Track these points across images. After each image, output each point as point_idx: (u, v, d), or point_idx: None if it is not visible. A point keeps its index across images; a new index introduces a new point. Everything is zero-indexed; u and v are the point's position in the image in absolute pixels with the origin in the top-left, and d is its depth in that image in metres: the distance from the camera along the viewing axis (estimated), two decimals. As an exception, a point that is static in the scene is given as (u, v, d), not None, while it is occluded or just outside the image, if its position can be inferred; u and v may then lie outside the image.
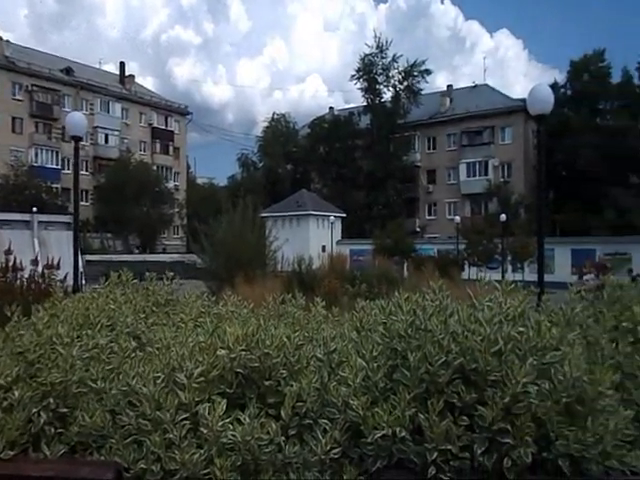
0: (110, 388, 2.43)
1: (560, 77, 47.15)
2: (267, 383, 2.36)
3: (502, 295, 2.68)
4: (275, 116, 57.47)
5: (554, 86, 44.69)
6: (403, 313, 2.56)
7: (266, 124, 57.50)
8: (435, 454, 2.02)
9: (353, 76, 50.66)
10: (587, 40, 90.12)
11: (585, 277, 14.33)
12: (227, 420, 2.15)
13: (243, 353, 2.38)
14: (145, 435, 2.19)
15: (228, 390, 2.35)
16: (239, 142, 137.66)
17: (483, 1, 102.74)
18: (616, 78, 42.18)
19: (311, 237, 38.94)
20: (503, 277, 25.57)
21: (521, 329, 2.40)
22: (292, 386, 2.29)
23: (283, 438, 2.15)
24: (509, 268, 30.35)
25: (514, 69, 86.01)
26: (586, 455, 2.05)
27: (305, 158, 52.58)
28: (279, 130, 56.31)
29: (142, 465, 2.14)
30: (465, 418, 2.11)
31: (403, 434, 2.05)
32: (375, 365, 2.30)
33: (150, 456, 2.15)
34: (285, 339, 2.50)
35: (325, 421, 2.18)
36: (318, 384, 2.29)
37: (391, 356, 2.41)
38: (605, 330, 3.15)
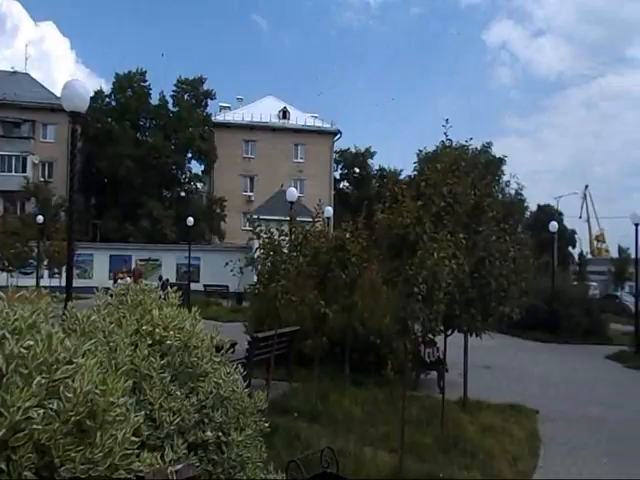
0: None
1: (107, 87, 47.63)
2: None
3: (8, 306, 2.30)
4: None
5: (100, 94, 45.07)
6: None
7: None
8: None
9: None
10: (134, 58, 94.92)
11: (120, 281, 14.82)
12: None
13: None
14: None
15: None
16: None
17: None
18: (155, 100, 46.12)
19: None
20: (38, 283, 23.74)
21: (31, 343, 2.11)
22: None
23: None
24: (45, 273, 28.50)
25: (60, 67, 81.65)
26: (92, 474, 1.94)
27: None
28: None
29: None
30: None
31: None
32: None
33: None
34: None
35: None
36: None
37: None
38: (127, 334, 3.17)
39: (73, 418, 1.98)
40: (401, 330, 5.26)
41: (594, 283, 36.84)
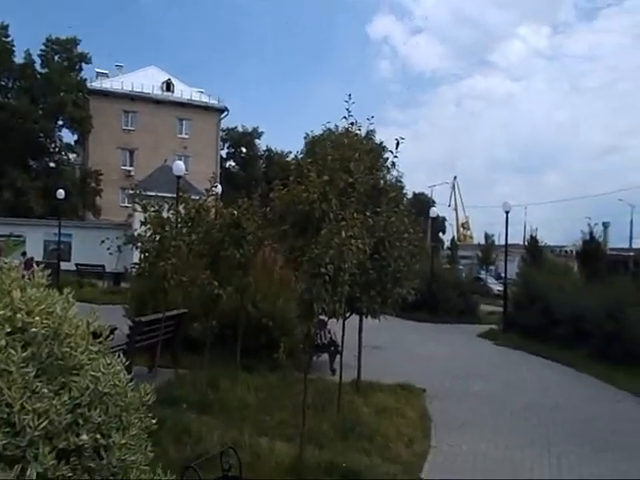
0: None
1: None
2: None
3: None
4: None
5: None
6: None
7: None
8: None
9: None
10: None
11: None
12: None
13: None
14: None
15: None
16: None
17: None
18: (19, 58, 41.02)
19: None
20: None
21: None
22: None
23: None
24: None
25: None
26: None
27: None
28: None
29: None
30: None
31: None
32: None
33: None
34: None
35: None
36: None
37: None
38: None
39: None
40: (306, 313, 4.94)
41: (461, 267, 39.66)
